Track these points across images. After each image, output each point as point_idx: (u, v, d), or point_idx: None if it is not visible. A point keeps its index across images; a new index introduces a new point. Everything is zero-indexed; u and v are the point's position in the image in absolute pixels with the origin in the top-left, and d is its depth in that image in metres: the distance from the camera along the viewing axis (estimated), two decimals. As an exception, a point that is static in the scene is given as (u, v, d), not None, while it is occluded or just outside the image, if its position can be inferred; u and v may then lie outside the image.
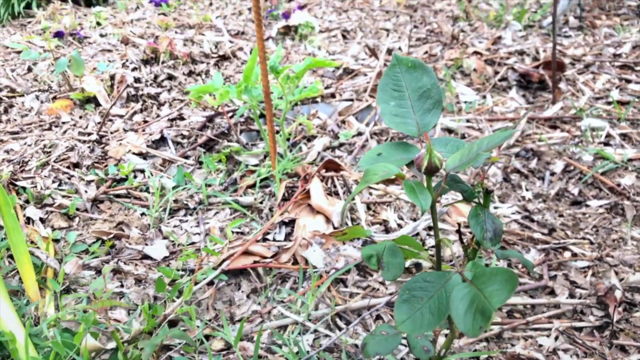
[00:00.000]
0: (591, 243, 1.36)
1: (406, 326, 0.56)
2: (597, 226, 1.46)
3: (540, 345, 1.04)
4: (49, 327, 1.06)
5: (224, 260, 1.28)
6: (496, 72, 2.47)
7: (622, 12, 3.64)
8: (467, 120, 2.04)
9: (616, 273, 1.23)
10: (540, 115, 2.05)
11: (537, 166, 1.75)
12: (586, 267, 1.27)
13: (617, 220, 1.49)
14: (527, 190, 1.63)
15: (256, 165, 1.73)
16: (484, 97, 2.26)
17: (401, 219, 1.43)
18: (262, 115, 2.00)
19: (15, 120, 2.04)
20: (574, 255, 1.30)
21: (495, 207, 1.50)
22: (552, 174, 1.72)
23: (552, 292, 1.18)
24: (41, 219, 1.42)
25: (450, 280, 0.56)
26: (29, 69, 2.50)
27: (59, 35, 2.77)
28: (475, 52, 2.61)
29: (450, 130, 1.98)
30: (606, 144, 1.85)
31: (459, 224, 0.70)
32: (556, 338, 1.05)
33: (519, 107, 2.18)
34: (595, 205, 1.55)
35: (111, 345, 1.01)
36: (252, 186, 1.63)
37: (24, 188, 1.53)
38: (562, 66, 2.44)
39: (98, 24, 3.29)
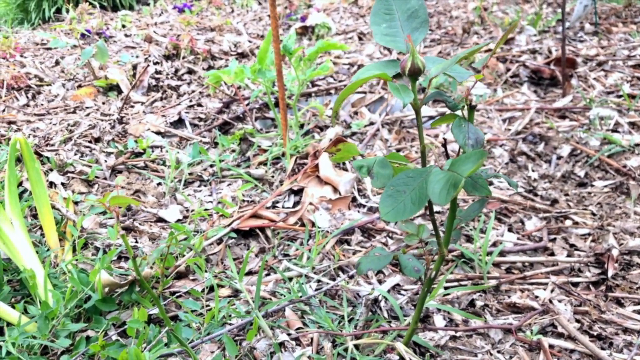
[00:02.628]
0: (593, 214, 1.39)
1: (390, 216, 0.61)
2: (602, 203, 1.48)
3: (537, 296, 1.07)
4: (66, 268, 1.13)
5: (234, 221, 1.33)
6: (508, 69, 2.51)
7: (638, 20, 3.66)
8: (477, 110, 2.08)
9: (616, 238, 1.25)
10: (550, 106, 2.08)
11: (544, 150, 1.77)
12: (586, 234, 1.29)
13: (622, 199, 1.50)
14: (533, 171, 1.66)
15: (269, 146, 1.79)
16: (495, 90, 2.30)
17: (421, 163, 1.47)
18: (276, 104, 2.08)
19: (42, 104, 2.14)
20: (575, 223, 1.33)
21: (500, 181, 1.53)
22: (559, 157, 1.74)
23: (552, 254, 1.21)
24: (63, 184, 1.50)
25: (430, 173, 0.60)
26: (57, 62, 2.61)
27: (86, 33, 2.89)
28: (488, 50, 2.66)
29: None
30: (614, 130, 1.87)
31: (444, 139, 0.75)
32: (552, 290, 1.08)
33: (529, 100, 2.21)
34: (600, 185, 1.57)
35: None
36: (264, 163, 1.69)
37: (47, 158, 1.61)
38: (573, 63, 2.48)
39: (123, 26, 3.43)
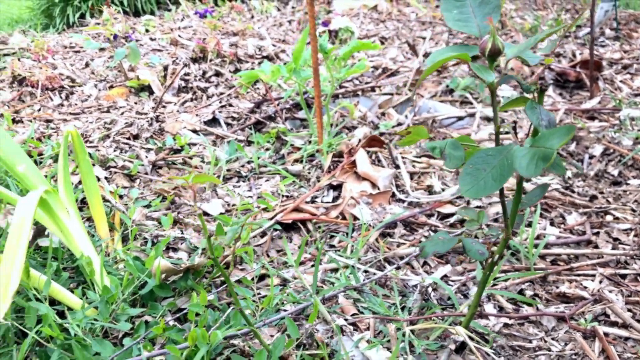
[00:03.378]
0: (633, 210, 1.40)
1: (470, 192, 0.62)
2: (639, 200, 1.49)
3: (585, 287, 1.08)
4: (120, 259, 1.15)
5: (277, 214, 1.35)
6: (533, 72, 2.52)
7: (657, 26, 3.67)
8: (505, 111, 2.10)
9: (658, 232, 1.26)
10: (578, 107, 2.09)
11: (575, 149, 1.79)
12: (628, 228, 1.30)
13: (658, 196, 1.51)
14: (566, 169, 1.67)
15: (302, 145, 1.82)
16: (521, 93, 2.32)
17: (445, 185, 1.49)
18: (308, 105, 2.10)
19: (76, 104, 2.18)
20: (616, 218, 1.34)
21: (537, 178, 1.54)
22: (591, 157, 1.75)
23: (596, 246, 1.22)
24: (106, 178, 1.53)
25: (511, 150, 0.62)
26: (86, 64, 2.66)
27: (114, 37, 2.94)
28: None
29: (488, 119, 2.03)
30: (645, 131, 1.88)
31: (515, 122, 0.77)
32: (600, 281, 1.09)
33: (555, 102, 2.23)
34: (636, 184, 1.58)
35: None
36: (299, 160, 1.71)
37: (89, 153, 1.64)
38: (599, 66, 2.49)
39: (147, 30, 3.48)
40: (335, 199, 1.48)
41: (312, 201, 1.48)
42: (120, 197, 1.45)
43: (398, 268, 1.15)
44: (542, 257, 1.19)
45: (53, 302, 1.03)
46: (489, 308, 1.03)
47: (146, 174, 1.58)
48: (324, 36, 1.78)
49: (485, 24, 0.69)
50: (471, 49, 0.69)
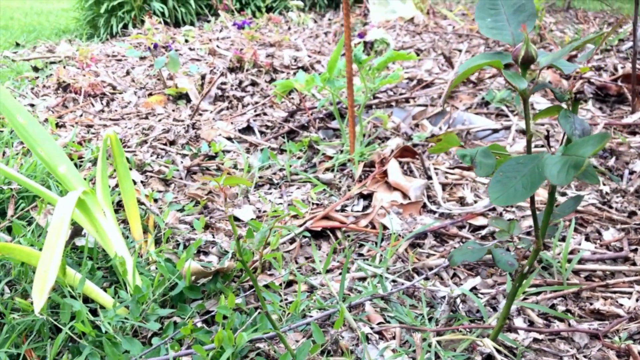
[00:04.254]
0: (673, 228, 1.35)
1: (500, 200, 0.62)
2: (680, 218, 1.44)
3: (621, 304, 1.04)
4: (150, 260, 1.18)
5: (307, 221, 1.36)
6: (572, 86, 2.47)
7: None
8: (541, 124, 2.06)
9: (701, 251, 1.21)
10: (619, 122, 2.04)
11: (615, 164, 1.74)
12: (668, 246, 1.26)
13: (701, 214, 1.46)
14: (604, 184, 1.63)
15: (334, 154, 1.83)
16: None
17: (478, 197, 1.47)
18: (341, 115, 2.11)
19: (116, 110, 2.25)
20: (656, 235, 1.30)
21: (573, 192, 1.51)
22: (632, 172, 1.71)
23: (633, 264, 1.18)
24: (142, 182, 1.57)
25: (542, 158, 0.61)
26: (127, 72, 2.74)
27: (154, 46, 3.03)
28: (551, 66, 2.64)
29: (523, 132, 2.00)
30: (689, 147, 1.82)
31: (547, 131, 0.76)
32: (637, 299, 1.05)
33: (594, 116, 2.18)
34: (677, 201, 1.53)
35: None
36: (330, 169, 1.72)
37: (127, 158, 1.68)
38: (641, 80, 2.42)
39: (186, 40, 3.56)
40: (365, 208, 1.48)
41: (342, 210, 1.48)
42: (155, 200, 1.49)
43: (427, 279, 1.14)
44: (576, 272, 1.16)
45: (87, 299, 1.06)
46: (518, 322, 1.01)
47: (181, 178, 1.61)
48: (359, 47, 1.79)
49: (520, 32, 0.69)
50: (504, 56, 0.69)
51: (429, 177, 1.59)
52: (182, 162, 1.66)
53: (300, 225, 1.35)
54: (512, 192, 0.61)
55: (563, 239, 1.26)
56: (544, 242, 1.25)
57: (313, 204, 1.50)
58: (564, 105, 0.70)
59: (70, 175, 1.19)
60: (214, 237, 1.34)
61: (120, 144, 1.27)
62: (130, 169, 1.63)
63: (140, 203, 1.36)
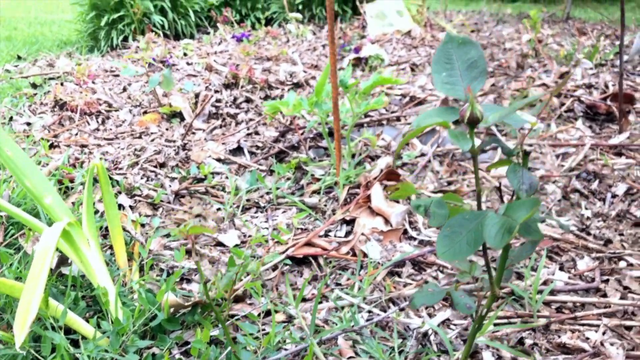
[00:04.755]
0: (649, 256, 1.37)
1: (446, 255, 0.65)
2: (658, 244, 1.46)
3: (587, 338, 1.07)
4: (133, 289, 1.21)
5: (289, 248, 1.39)
6: (562, 104, 2.50)
7: (701, 54, 3.56)
8: (530, 145, 2.08)
9: (672, 282, 1.23)
10: (605, 142, 2.06)
11: (598, 188, 1.76)
12: (642, 276, 1.28)
13: (680, 241, 1.48)
14: (586, 209, 1.65)
15: (322, 175, 1.86)
16: (549, 125, 2.30)
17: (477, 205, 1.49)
18: (330, 134, 2.14)
19: (111, 129, 2.29)
20: (630, 265, 1.32)
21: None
22: (614, 195, 1.73)
23: (604, 295, 1.20)
24: (130, 206, 1.60)
25: (486, 216, 0.64)
26: (124, 89, 2.78)
27: (152, 62, 3.07)
28: (542, 84, 2.66)
29: (508, 153, 2.02)
30: (673, 170, 1.83)
31: (499, 182, 0.78)
32: (604, 333, 1.08)
33: (583, 136, 2.20)
34: (657, 226, 1.55)
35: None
36: (317, 192, 1.75)
37: (117, 181, 1.72)
38: (631, 99, 2.44)
39: (185, 54, 3.61)
40: (348, 233, 1.51)
41: (326, 235, 1.51)
42: (143, 225, 1.52)
43: (402, 309, 1.17)
44: (548, 303, 1.18)
45: (69, 330, 1.09)
46: (487, 356, 1.03)
47: (169, 202, 1.65)
48: (345, 70, 1.83)
49: (474, 86, 0.72)
50: (457, 111, 0.72)
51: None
52: (170, 186, 1.70)
53: (282, 253, 1.38)
54: (457, 248, 0.64)
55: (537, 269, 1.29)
56: (516, 271, 1.28)
57: (297, 228, 1.53)
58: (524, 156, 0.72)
59: (56, 206, 1.22)
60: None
61: (106, 173, 1.30)
62: (120, 192, 1.67)
63: (125, 230, 1.39)
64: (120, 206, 1.60)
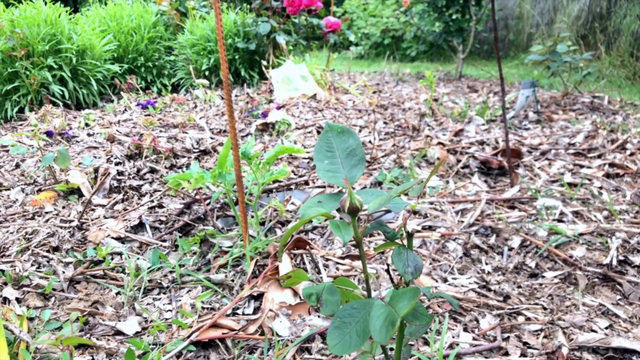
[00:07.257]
0: (544, 308, 1.44)
1: (337, 349, 0.63)
2: (552, 294, 1.54)
3: (493, 401, 1.08)
4: (17, 397, 1.09)
5: (193, 332, 1.33)
6: (458, 160, 2.64)
7: (577, 108, 3.94)
8: (431, 203, 2.17)
9: (565, 334, 1.29)
10: (499, 197, 2.19)
11: (496, 242, 1.85)
12: (539, 329, 1.33)
13: (571, 289, 1.57)
14: (486, 264, 1.72)
15: (230, 247, 1.81)
16: (447, 182, 2.41)
17: (366, 290, 1.50)
18: (237, 202, 2.12)
19: (0, 211, 2.13)
20: (527, 319, 1.37)
21: (454, 278, 1.58)
22: (510, 249, 1.82)
23: (506, 353, 1.24)
24: (17, 299, 1.47)
25: (373, 305, 0.64)
26: (17, 165, 2.62)
27: (48, 134, 2.94)
28: (439, 143, 2.81)
29: (415, 212, 2.09)
30: (559, 220, 1.97)
31: (388, 264, 0.79)
32: (508, 394, 1.10)
33: (480, 191, 2.32)
34: (550, 276, 1.64)
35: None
36: (225, 266, 1.70)
37: (2, 271, 1.58)
38: (519, 153, 2.63)
39: (87, 124, 3.48)
40: (256, 309, 1.47)
41: (234, 313, 1.46)
42: (31, 319, 1.40)
43: (311, 389, 1.13)
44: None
45: None
46: None
47: (62, 291, 1.53)
48: (249, 141, 1.83)
49: (353, 175, 0.73)
50: (340, 198, 0.73)
51: (319, 271, 1.61)
52: (64, 272, 1.59)
53: (187, 338, 1.31)
54: (348, 340, 0.63)
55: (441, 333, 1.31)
56: (422, 337, 1.29)
57: (203, 308, 1.47)
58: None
59: None
60: (93, 359, 1.27)
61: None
62: (6, 283, 1.53)
63: (7, 329, 1.27)
64: (6, 300, 1.47)
